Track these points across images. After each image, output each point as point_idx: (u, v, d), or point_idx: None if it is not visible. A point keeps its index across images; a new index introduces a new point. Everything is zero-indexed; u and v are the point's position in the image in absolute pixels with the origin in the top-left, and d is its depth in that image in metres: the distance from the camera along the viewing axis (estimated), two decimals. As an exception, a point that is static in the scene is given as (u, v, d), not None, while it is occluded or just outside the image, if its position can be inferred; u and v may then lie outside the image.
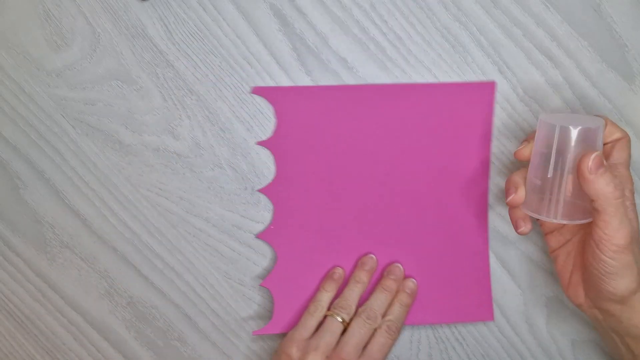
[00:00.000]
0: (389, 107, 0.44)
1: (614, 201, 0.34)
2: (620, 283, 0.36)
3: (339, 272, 0.46)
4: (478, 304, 0.47)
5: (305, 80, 0.45)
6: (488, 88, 0.44)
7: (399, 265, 0.46)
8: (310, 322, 0.44)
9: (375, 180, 0.45)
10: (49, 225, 0.47)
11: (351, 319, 0.44)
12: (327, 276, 0.46)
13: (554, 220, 0.37)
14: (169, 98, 0.45)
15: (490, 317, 0.47)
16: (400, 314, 0.45)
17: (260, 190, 0.46)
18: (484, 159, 0.45)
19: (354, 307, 0.45)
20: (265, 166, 0.46)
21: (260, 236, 0.46)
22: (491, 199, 0.46)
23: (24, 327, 0.49)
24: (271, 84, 0.45)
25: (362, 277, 0.45)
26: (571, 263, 0.41)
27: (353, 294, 0.45)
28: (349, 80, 0.45)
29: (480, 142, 0.45)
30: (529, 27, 0.44)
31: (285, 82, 0.45)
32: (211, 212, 0.47)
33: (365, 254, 0.46)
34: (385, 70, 0.45)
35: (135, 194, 0.47)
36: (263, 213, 0.47)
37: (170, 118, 0.46)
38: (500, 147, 0.45)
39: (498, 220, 0.47)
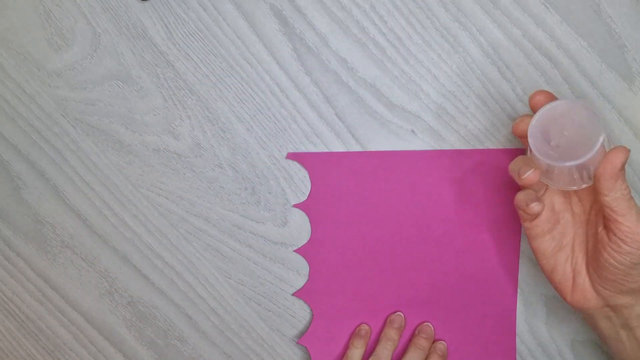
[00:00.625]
0: (421, 172, 0.46)
1: (629, 196, 0.35)
2: None
3: (365, 328, 0.47)
4: (502, 352, 0.48)
5: (305, 81, 0.45)
6: (519, 153, 0.45)
7: (430, 324, 0.48)
8: None
9: (407, 243, 0.47)
10: (49, 225, 0.47)
11: None
12: (355, 334, 0.47)
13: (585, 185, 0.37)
14: (170, 98, 0.45)
15: None
16: (417, 357, 0.46)
17: (296, 251, 0.47)
18: (515, 222, 0.46)
19: None
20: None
21: (296, 294, 0.47)
22: (522, 261, 0.47)
23: (24, 327, 0.49)
24: (271, 84, 0.45)
25: (393, 335, 0.46)
26: (572, 268, 0.40)
27: (386, 351, 0.46)
28: (348, 80, 0.45)
29: (512, 206, 0.45)
30: (529, 27, 0.44)
31: (285, 82, 0.45)
32: (211, 212, 0.47)
33: (394, 312, 0.47)
34: (385, 71, 0.45)
35: (136, 193, 0.47)
36: (263, 213, 0.47)
37: (171, 118, 0.46)
38: (500, 146, 0.45)
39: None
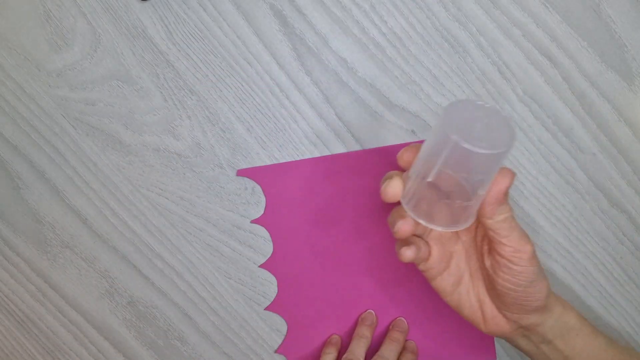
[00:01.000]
0: (371, 171, 0.45)
1: (511, 218, 0.34)
2: (543, 284, 0.36)
3: (335, 337, 0.48)
4: (480, 346, 0.48)
5: (305, 81, 0.45)
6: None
7: (403, 319, 0.48)
8: None
9: (370, 243, 0.47)
10: (49, 225, 0.47)
11: None
12: (327, 342, 0.48)
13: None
14: (170, 98, 0.45)
15: (493, 356, 0.48)
16: (392, 350, 0.46)
17: (262, 266, 0.47)
18: None
19: None
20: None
21: (268, 308, 0.48)
22: None
23: (24, 327, 0.49)
24: (271, 84, 0.45)
25: (365, 332, 0.47)
26: (476, 298, 0.39)
27: (359, 348, 0.46)
28: (348, 80, 0.45)
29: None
30: (529, 27, 0.44)
31: (285, 82, 0.45)
32: (211, 212, 0.47)
33: (364, 311, 0.48)
34: (384, 71, 0.45)
35: (136, 193, 0.47)
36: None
37: (171, 118, 0.46)
38: (500, 147, 0.45)
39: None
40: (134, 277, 0.48)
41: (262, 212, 0.46)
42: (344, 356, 0.45)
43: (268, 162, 0.46)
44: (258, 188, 0.46)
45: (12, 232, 0.48)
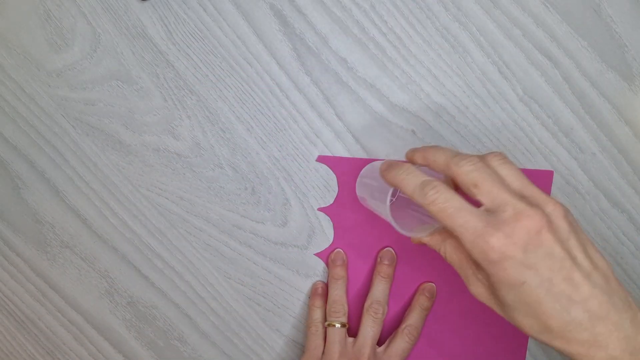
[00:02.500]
0: None
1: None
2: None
3: (321, 285, 0.47)
4: (510, 349, 0.48)
5: (305, 81, 0.45)
6: (546, 176, 0.45)
7: (390, 248, 0.47)
8: (317, 341, 0.46)
9: (425, 252, 0.46)
10: (49, 225, 0.47)
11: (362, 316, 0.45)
12: (312, 293, 0.47)
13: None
14: (169, 98, 0.45)
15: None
16: (420, 318, 0.46)
17: (317, 254, 0.47)
18: None
19: (345, 304, 0.46)
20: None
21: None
22: None
23: (24, 327, 0.49)
24: (271, 84, 0.45)
25: (339, 272, 0.46)
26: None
27: (338, 292, 0.46)
28: (348, 80, 0.45)
29: None
30: (529, 27, 0.44)
31: (285, 82, 0.45)
32: (211, 212, 0.47)
33: (332, 251, 0.47)
34: (385, 71, 0.45)
35: (136, 193, 0.47)
36: (263, 213, 0.47)
37: (171, 118, 0.46)
38: (500, 146, 0.45)
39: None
40: (133, 277, 0.48)
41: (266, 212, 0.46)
42: (327, 309, 0.46)
43: (268, 162, 0.46)
44: (259, 188, 0.46)
45: (12, 232, 0.48)
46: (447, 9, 0.44)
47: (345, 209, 0.46)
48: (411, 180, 0.34)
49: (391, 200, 0.37)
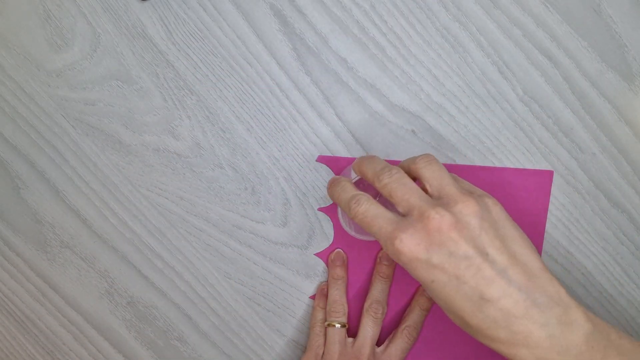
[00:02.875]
0: None
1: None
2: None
3: (327, 285, 0.47)
4: None
5: (305, 81, 0.45)
6: (546, 176, 0.45)
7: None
8: (318, 341, 0.46)
9: None
10: (49, 225, 0.47)
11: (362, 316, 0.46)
12: (318, 294, 0.48)
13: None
14: (169, 98, 0.45)
15: None
16: (419, 318, 0.46)
17: (317, 254, 0.47)
18: (535, 241, 0.46)
19: (344, 305, 0.46)
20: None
21: (313, 297, 0.48)
22: None
23: (24, 327, 0.49)
24: (271, 84, 0.45)
25: (339, 273, 0.46)
26: None
27: (337, 292, 0.46)
28: (348, 80, 0.45)
29: (533, 225, 0.46)
30: (529, 27, 0.44)
31: (285, 82, 0.45)
32: (211, 212, 0.47)
33: (332, 251, 0.47)
34: (385, 71, 0.45)
35: (136, 194, 0.47)
36: (263, 213, 0.47)
37: (171, 118, 0.46)
38: (500, 146, 0.45)
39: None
40: (133, 277, 0.48)
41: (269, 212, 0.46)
42: (327, 309, 0.46)
43: (268, 162, 0.46)
44: (259, 188, 0.46)
45: (12, 232, 0.48)
46: (447, 9, 0.44)
47: None
48: (343, 196, 0.37)
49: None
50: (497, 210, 0.34)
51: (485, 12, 0.44)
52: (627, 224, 0.46)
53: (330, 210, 0.47)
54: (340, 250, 0.47)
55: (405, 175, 0.35)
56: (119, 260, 0.48)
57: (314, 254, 0.47)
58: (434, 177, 0.35)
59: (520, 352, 0.32)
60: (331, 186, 0.39)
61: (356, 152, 0.46)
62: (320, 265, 0.47)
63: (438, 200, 0.34)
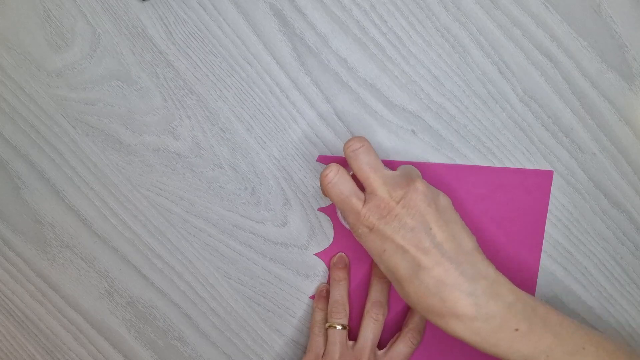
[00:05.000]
0: (446, 185, 0.46)
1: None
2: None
3: (326, 288, 0.48)
4: None
5: (305, 81, 0.45)
6: (546, 176, 0.45)
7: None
8: (319, 341, 0.46)
9: None
10: (49, 225, 0.47)
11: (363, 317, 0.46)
12: (317, 295, 0.48)
13: None
14: (169, 98, 0.45)
15: None
16: (422, 321, 0.46)
17: (317, 254, 0.47)
18: (535, 241, 0.46)
19: (346, 306, 0.46)
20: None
21: (313, 297, 0.48)
22: (539, 289, 0.47)
23: (24, 327, 0.49)
24: (271, 84, 0.45)
25: (340, 275, 0.47)
26: None
27: (339, 293, 0.46)
28: (348, 80, 0.45)
29: (533, 226, 0.46)
30: (529, 27, 0.44)
31: (285, 82, 0.45)
32: (211, 212, 0.47)
33: (333, 253, 0.47)
34: (385, 71, 0.45)
35: (136, 194, 0.47)
36: (263, 213, 0.47)
37: (171, 118, 0.46)
38: (500, 146, 0.45)
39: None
40: (133, 277, 0.48)
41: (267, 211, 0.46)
42: (328, 310, 0.46)
43: (268, 162, 0.46)
44: (259, 188, 0.46)
45: (12, 232, 0.48)
46: (447, 9, 0.44)
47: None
48: (323, 171, 0.40)
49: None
50: (446, 200, 0.39)
51: (485, 12, 0.43)
52: (627, 224, 0.46)
53: (330, 210, 0.47)
54: (342, 254, 0.47)
55: (369, 150, 0.39)
56: (119, 260, 0.48)
57: (314, 254, 0.47)
58: (404, 166, 0.40)
59: (451, 322, 0.36)
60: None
61: (356, 152, 0.46)
62: (320, 265, 0.47)
63: (397, 176, 0.38)
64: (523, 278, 0.47)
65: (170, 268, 0.48)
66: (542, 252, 0.47)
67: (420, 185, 0.38)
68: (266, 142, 0.46)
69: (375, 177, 0.38)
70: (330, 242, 0.47)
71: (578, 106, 0.45)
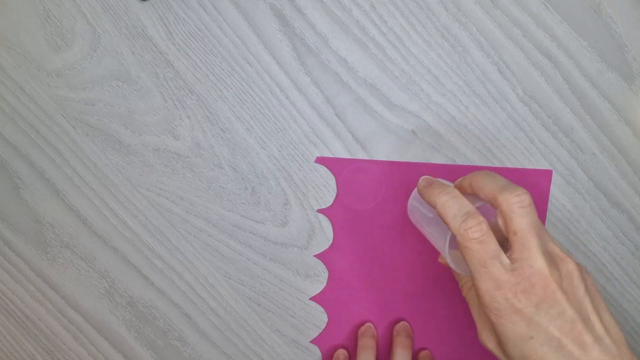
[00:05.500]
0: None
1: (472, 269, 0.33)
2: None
3: (343, 352, 0.48)
4: None
5: (305, 81, 0.45)
6: (545, 175, 0.45)
7: (406, 322, 0.48)
8: None
9: (423, 255, 0.47)
10: (49, 225, 0.47)
11: None
12: (334, 358, 0.48)
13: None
14: (169, 98, 0.45)
15: None
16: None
17: (316, 256, 0.47)
18: None
19: None
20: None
21: (313, 298, 0.48)
22: None
23: (24, 327, 0.49)
24: (271, 84, 0.45)
25: (369, 342, 0.47)
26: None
27: (367, 358, 0.46)
28: (348, 80, 0.45)
29: None
30: (529, 27, 0.44)
31: (285, 82, 0.45)
32: (211, 212, 0.47)
33: (362, 324, 0.48)
34: (385, 71, 0.45)
35: (136, 194, 0.47)
36: (263, 213, 0.47)
37: (171, 118, 0.46)
38: (500, 146, 0.45)
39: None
40: (133, 277, 0.48)
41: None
42: None
43: (268, 162, 0.46)
44: (259, 188, 0.46)
45: (12, 232, 0.48)
46: (447, 9, 0.44)
47: (345, 210, 0.46)
48: (454, 207, 0.34)
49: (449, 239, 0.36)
50: (591, 279, 0.34)
51: (485, 12, 0.43)
52: (627, 224, 0.46)
53: (330, 212, 0.47)
54: (370, 324, 0.48)
55: (535, 211, 0.33)
56: (119, 260, 0.48)
57: (314, 256, 0.47)
58: (538, 225, 0.33)
59: None
60: (431, 188, 0.35)
61: (356, 152, 0.46)
62: (320, 265, 0.47)
63: (549, 253, 0.33)
64: None
65: (170, 268, 0.48)
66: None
67: (573, 264, 0.33)
68: (266, 142, 0.46)
69: (537, 245, 0.32)
70: (330, 243, 0.47)
71: (578, 106, 0.45)
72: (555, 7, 0.43)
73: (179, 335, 0.49)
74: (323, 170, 0.46)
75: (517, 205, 0.32)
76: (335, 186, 0.46)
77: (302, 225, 0.47)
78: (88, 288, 0.48)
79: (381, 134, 0.45)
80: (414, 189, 0.44)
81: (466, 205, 0.33)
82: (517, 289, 0.31)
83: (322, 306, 0.48)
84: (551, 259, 0.32)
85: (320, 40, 0.44)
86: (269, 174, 0.46)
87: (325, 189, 0.46)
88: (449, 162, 0.46)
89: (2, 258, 0.48)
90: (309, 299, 0.48)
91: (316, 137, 0.46)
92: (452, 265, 0.36)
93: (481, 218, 0.32)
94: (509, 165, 0.46)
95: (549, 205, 0.46)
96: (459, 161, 0.46)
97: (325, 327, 0.48)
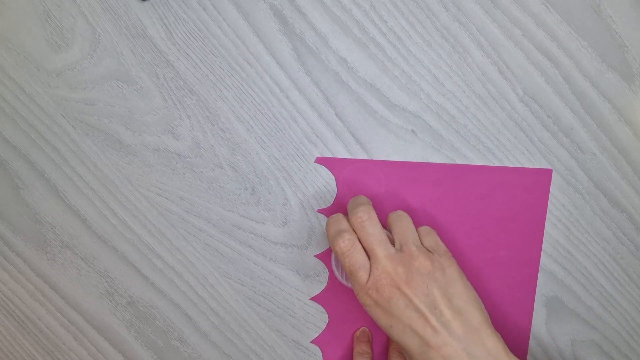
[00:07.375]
0: (446, 185, 0.46)
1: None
2: None
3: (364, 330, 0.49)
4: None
5: (305, 81, 0.45)
6: (545, 175, 0.45)
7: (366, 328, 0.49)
8: None
9: None
10: (49, 225, 0.47)
11: None
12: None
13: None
14: (169, 98, 0.45)
15: None
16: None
17: (317, 256, 0.47)
18: (534, 241, 0.46)
19: None
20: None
21: (313, 298, 0.48)
22: (539, 289, 0.47)
23: (24, 327, 0.49)
24: (271, 84, 0.45)
25: (364, 348, 0.47)
26: None
27: None
28: (348, 80, 0.45)
29: (533, 225, 0.46)
30: (529, 27, 0.44)
31: (285, 82, 0.45)
32: (211, 212, 0.47)
33: (357, 329, 0.48)
34: (385, 71, 0.45)
35: (136, 194, 0.47)
36: (263, 213, 0.47)
37: (171, 118, 0.46)
38: (500, 146, 0.45)
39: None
40: (133, 277, 0.48)
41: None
42: None
43: (268, 162, 0.46)
44: (259, 188, 0.46)
45: (12, 232, 0.48)
46: (447, 9, 0.44)
47: (345, 210, 0.46)
48: (332, 227, 0.41)
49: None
50: (450, 270, 0.40)
51: (485, 12, 0.44)
52: (627, 224, 0.46)
53: (330, 212, 0.47)
54: (365, 328, 0.48)
55: (375, 223, 0.40)
56: (119, 260, 0.48)
57: (314, 256, 0.47)
58: (401, 232, 0.41)
59: None
60: (328, 220, 0.42)
61: (356, 152, 0.46)
62: (320, 265, 0.47)
63: (400, 253, 0.39)
64: (523, 278, 0.47)
65: (170, 268, 0.48)
66: (542, 252, 0.47)
67: (424, 261, 0.39)
68: (266, 142, 0.46)
69: (380, 249, 0.39)
70: None
71: (578, 106, 0.45)
72: (555, 7, 0.43)
73: (179, 335, 0.49)
74: (323, 170, 0.46)
75: (356, 221, 0.40)
76: (335, 186, 0.46)
77: (302, 225, 0.47)
78: (88, 288, 0.48)
79: (381, 134, 0.45)
80: (405, 194, 0.45)
81: (343, 225, 0.41)
82: (373, 288, 0.39)
83: (322, 306, 0.48)
84: (400, 259, 0.39)
85: (320, 40, 0.44)
86: (269, 173, 0.46)
87: (325, 189, 0.46)
88: (449, 162, 0.46)
89: (2, 258, 0.48)
90: (309, 299, 0.48)
91: (316, 137, 0.46)
92: (341, 281, 0.44)
93: (350, 236, 0.40)
94: (509, 164, 0.46)
95: (549, 205, 0.46)
96: (459, 161, 0.46)
97: (325, 327, 0.48)
